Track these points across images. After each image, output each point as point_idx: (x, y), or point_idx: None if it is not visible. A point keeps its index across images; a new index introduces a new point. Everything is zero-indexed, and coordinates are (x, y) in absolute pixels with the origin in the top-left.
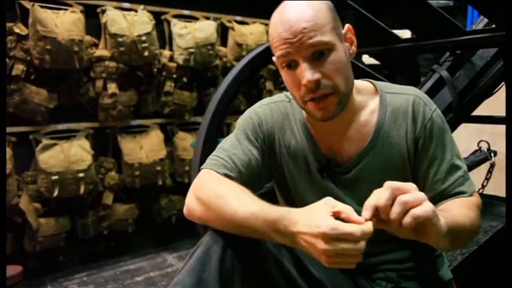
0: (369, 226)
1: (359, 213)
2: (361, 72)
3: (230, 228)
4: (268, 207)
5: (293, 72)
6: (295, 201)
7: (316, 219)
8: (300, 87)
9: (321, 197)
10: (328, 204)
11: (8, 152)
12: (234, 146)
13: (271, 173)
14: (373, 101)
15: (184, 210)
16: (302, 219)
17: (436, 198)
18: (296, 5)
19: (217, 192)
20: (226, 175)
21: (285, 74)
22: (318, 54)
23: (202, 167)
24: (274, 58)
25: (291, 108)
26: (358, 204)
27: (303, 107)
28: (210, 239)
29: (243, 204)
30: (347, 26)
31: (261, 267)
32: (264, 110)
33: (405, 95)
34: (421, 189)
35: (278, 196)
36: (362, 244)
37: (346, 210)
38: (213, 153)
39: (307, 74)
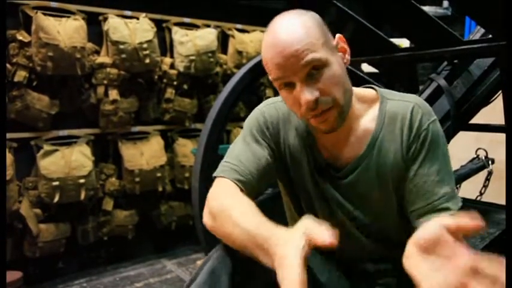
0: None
1: (356, 217)
2: (360, 80)
3: (229, 242)
4: (257, 223)
5: (291, 92)
6: (300, 197)
7: (289, 247)
8: (300, 105)
9: (323, 197)
10: (302, 236)
11: (9, 157)
12: (243, 148)
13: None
14: (373, 108)
15: (203, 219)
16: (281, 242)
17: (421, 212)
18: (285, 25)
19: (222, 206)
20: (238, 180)
21: (283, 94)
22: (313, 72)
23: (214, 175)
24: (270, 77)
25: None
26: (354, 209)
27: (305, 122)
28: (221, 253)
29: (239, 221)
30: (337, 36)
31: (271, 280)
32: (269, 109)
33: (405, 102)
34: (406, 199)
35: (282, 193)
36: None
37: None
38: (224, 159)
39: (305, 94)
